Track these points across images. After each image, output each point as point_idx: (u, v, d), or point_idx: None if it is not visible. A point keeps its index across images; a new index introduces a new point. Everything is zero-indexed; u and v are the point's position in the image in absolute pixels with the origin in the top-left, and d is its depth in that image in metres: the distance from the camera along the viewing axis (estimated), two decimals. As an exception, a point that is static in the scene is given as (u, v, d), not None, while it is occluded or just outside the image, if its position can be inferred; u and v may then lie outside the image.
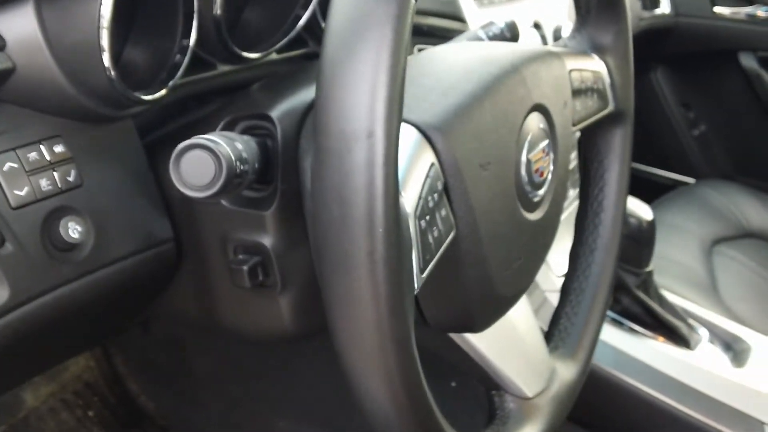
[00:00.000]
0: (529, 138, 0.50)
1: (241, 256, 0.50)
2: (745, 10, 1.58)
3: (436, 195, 0.41)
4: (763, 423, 0.80)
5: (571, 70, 0.58)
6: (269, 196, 0.49)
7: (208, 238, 0.52)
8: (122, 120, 0.52)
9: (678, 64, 1.70)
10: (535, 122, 0.51)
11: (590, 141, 0.67)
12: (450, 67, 0.50)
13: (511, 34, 0.69)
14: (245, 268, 0.49)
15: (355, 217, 0.33)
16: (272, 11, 0.64)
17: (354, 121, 0.33)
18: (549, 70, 0.54)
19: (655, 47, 1.66)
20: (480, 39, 0.68)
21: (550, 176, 0.53)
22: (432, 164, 0.42)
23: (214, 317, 0.55)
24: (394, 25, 0.34)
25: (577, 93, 0.59)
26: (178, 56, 0.53)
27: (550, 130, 0.53)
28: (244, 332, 0.55)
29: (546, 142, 0.52)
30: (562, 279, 0.93)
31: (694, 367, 0.85)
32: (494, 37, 0.69)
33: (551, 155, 0.53)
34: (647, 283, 0.91)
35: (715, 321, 0.96)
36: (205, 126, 0.52)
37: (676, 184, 1.64)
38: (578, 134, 0.67)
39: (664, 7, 1.61)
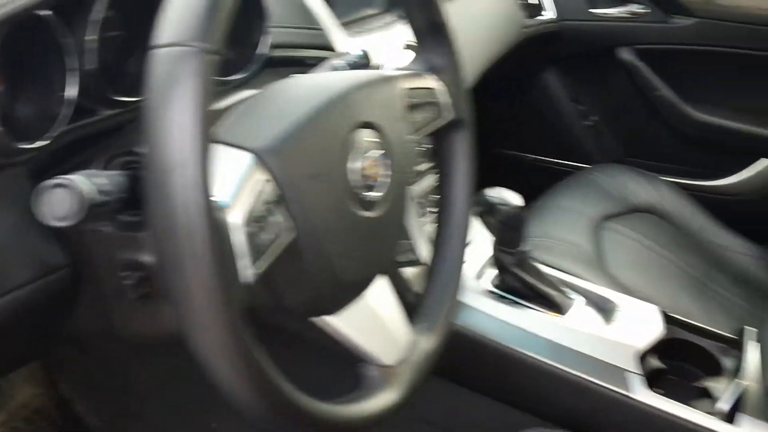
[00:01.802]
0: (358, 150, 0.58)
1: (127, 273, 0.57)
2: (620, 9, 1.71)
3: (269, 205, 0.49)
4: (623, 369, 0.90)
5: (407, 89, 0.67)
6: (143, 220, 0.56)
7: (99, 260, 0.59)
8: (14, 166, 0.58)
9: (567, 64, 1.82)
10: (363, 137, 0.59)
11: (439, 146, 0.76)
12: (288, 97, 0.58)
13: (364, 61, 0.78)
14: (131, 282, 0.57)
15: (178, 231, 0.41)
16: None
17: (168, 155, 0.41)
18: (378, 92, 0.62)
19: (544, 50, 1.77)
20: (337, 68, 0.76)
21: (387, 180, 0.61)
22: (266, 181, 0.50)
23: (115, 329, 0.62)
24: (196, 79, 0.41)
25: (414, 107, 0.68)
26: (61, 108, 0.60)
27: (384, 141, 0.61)
28: (141, 338, 0.62)
29: (378, 152, 0.60)
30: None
31: (564, 328, 0.94)
32: (351, 65, 0.77)
33: (387, 162, 0.61)
34: (523, 261, 1.00)
35: (589, 288, 1.05)
36: (91, 164, 0.59)
37: (574, 171, 1.74)
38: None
39: (550, 13, 1.72)
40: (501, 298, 1.01)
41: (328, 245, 0.55)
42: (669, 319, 1.01)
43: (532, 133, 1.91)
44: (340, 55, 0.77)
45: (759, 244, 1.50)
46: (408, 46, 0.99)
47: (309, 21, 0.89)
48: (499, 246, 1.00)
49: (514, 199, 0.98)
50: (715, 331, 1.00)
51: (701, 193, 1.71)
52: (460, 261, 0.74)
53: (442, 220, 0.75)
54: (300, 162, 0.52)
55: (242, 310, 0.44)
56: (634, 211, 1.49)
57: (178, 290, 0.42)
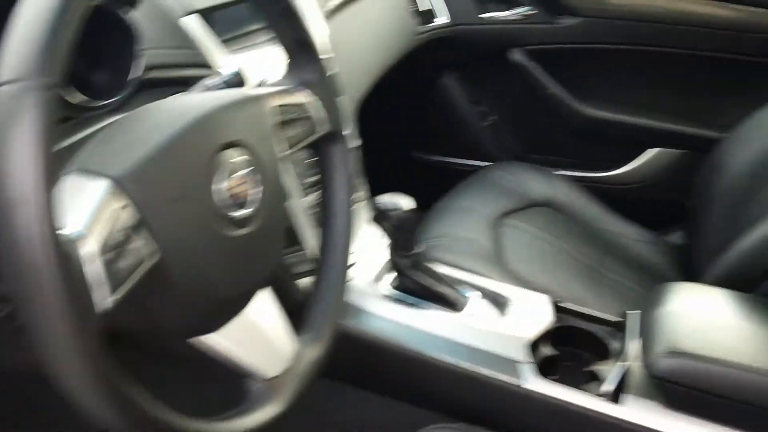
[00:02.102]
0: (224, 171, 0.58)
1: None
2: (508, 12, 1.77)
3: (128, 231, 0.50)
4: (514, 361, 0.93)
5: (276, 106, 0.68)
6: None
7: None
8: None
9: (464, 67, 1.87)
10: (230, 156, 0.60)
11: (319, 158, 0.77)
12: (148, 123, 0.58)
13: (238, 79, 0.79)
14: (2, 315, 0.56)
15: (24, 267, 0.41)
16: None
17: (10, 192, 0.41)
18: (244, 112, 0.63)
19: (441, 54, 1.82)
20: (210, 88, 0.77)
21: (258, 196, 0.62)
22: (124, 207, 0.50)
23: None
24: (34, 114, 0.42)
25: (286, 123, 0.69)
26: None
27: (253, 158, 0.62)
28: (24, 370, 0.61)
29: (247, 170, 0.61)
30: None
31: (459, 325, 0.98)
32: (225, 84, 0.78)
33: (257, 178, 0.62)
34: (418, 263, 1.03)
35: (484, 284, 1.09)
36: None
37: (477, 170, 1.79)
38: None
39: (443, 18, 1.76)
40: (399, 301, 1.04)
41: (198, 265, 0.55)
42: (560, 308, 1.06)
43: (437, 135, 1.96)
44: (214, 74, 0.78)
45: (651, 229, 1.58)
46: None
47: (188, 40, 0.89)
48: (394, 249, 1.02)
49: (406, 203, 1.01)
50: (602, 316, 1.06)
51: (596, 184, 1.79)
52: (344, 269, 0.75)
53: (324, 230, 0.77)
54: (160, 186, 0.53)
55: (100, 338, 0.45)
56: (531, 205, 1.55)
57: (31, 324, 0.43)
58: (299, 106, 0.71)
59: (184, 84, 0.87)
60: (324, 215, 0.77)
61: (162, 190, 0.53)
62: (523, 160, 1.89)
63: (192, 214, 0.55)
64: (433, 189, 1.59)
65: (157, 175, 0.53)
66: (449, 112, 1.89)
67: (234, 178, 0.59)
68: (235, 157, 0.60)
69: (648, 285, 1.40)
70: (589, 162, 1.83)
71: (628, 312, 1.04)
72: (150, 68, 0.79)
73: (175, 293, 0.55)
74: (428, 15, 1.71)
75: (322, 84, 0.74)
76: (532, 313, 1.02)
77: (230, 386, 0.66)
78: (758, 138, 1.39)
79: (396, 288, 1.06)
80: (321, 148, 0.76)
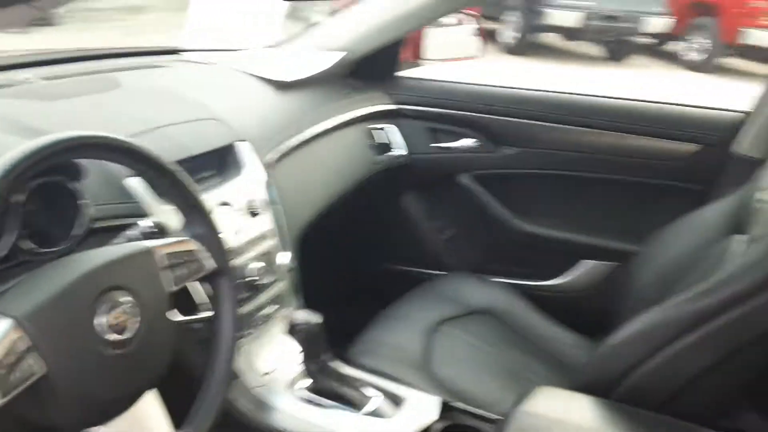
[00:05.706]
0: (106, 308, 0.78)
1: None
2: (458, 143, 1.99)
3: (20, 353, 0.69)
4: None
5: (166, 253, 0.89)
6: None
7: None
8: None
9: (422, 189, 2.08)
10: (114, 296, 0.80)
11: (210, 288, 0.98)
12: (54, 274, 0.78)
13: (154, 230, 1.00)
14: None
15: None
16: None
17: None
18: (130, 261, 0.84)
19: (400, 179, 2.03)
20: (131, 238, 0.98)
21: (137, 325, 0.82)
22: (19, 337, 0.70)
23: None
24: None
25: (173, 265, 0.89)
26: None
27: (134, 296, 0.82)
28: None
29: (128, 305, 0.81)
30: (266, 376, 1.22)
31: (355, 421, 1.14)
32: (144, 235, 0.99)
33: (137, 310, 0.82)
34: (324, 368, 1.20)
35: (385, 386, 1.25)
36: None
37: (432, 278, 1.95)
38: None
39: (401, 150, 2.00)
40: (307, 401, 1.21)
41: (79, 377, 0.75)
42: (450, 408, 1.21)
43: (402, 248, 2.15)
44: (135, 226, 1.00)
45: (586, 336, 1.71)
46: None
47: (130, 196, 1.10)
48: (304, 357, 1.20)
49: (313, 318, 1.19)
50: (486, 415, 1.20)
51: (539, 292, 1.94)
52: (225, 380, 0.94)
53: (211, 345, 0.96)
54: (50, 321, 0.73)
55: None
56: (471, 313, 1.70)
57: None
58: (188, 252, 0.92)
59: (122, 230, 1.06)
60: (212, 334, 0.96)
61: (51, 324, 0.73)
62: (480, 270, 2.06)
63: (76, 339, 0.75)
64: (400, 296, 1.76)
65: (48, 313, 0.73)
66: (410, 227, 2.09)
67: (113, 313, 0.80)
68: (117, 297, 0.80)
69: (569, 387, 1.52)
70: (533, 272, 1.99)
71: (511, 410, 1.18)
72: (96, 219, 1.01)
73: (61, 396, 0.74)
74: (385, 147, 1.95)
75: (209, 234, 0.95)
76: (420, 412, 1.18)
77: None
78: (662, 254, 1.54)
79: (309, 390, 1.23)
80: (210, 281, 0.97)
